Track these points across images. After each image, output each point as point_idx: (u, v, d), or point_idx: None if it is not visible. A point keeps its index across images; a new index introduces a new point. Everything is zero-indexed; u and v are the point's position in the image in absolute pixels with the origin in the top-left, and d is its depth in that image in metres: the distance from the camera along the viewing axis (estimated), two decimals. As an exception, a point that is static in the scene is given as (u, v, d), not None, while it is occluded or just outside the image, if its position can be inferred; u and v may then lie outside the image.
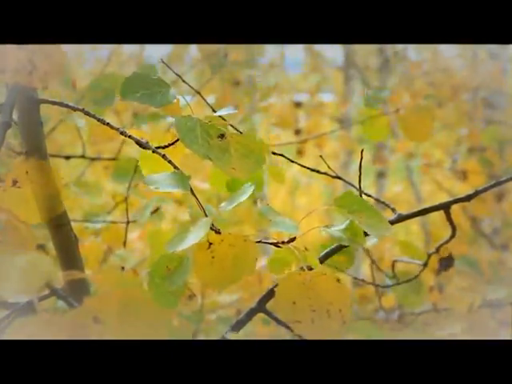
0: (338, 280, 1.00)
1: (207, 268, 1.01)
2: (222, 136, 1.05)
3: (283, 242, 1.04)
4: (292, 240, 1.04)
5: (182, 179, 1.04)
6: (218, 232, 1.01)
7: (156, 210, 1.81)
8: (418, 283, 1.65)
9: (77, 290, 1.17)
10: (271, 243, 1.05)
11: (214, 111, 1.16)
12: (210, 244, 1.00)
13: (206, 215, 1.02)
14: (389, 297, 2.05)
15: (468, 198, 1.36)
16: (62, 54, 0.99)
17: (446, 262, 1.57)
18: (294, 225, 1.04)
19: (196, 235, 0.98)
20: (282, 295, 1.01)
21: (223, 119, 1.11)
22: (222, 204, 1.06)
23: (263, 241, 1.05)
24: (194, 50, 3.09)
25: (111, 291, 0.83)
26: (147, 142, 1.08)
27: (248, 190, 1.05)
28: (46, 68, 0.97)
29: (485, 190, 1.37)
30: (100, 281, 0.85)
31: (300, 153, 3.44)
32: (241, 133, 1.10)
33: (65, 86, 1.85)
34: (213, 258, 1.01)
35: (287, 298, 1.00)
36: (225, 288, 1.02)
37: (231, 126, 1.12)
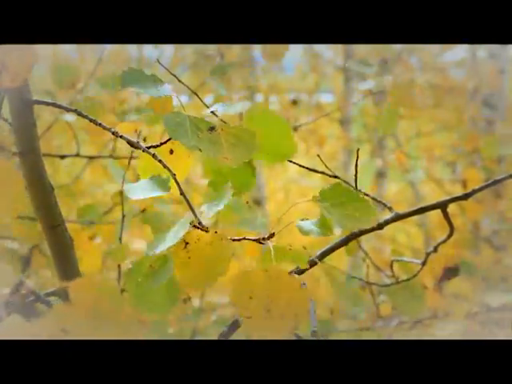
0: (304, 284, 0.99)
1: (184, 268, 1.00)
2: (212, 129, 1.04)
3: (264, 239, 1.04)
4: (271, 236, 1.04)
5: (161, 183, 1.04)
6: (204, 230, 1.00)
7: (146, 208, 1.80)
8: (417, 291, 1.64)
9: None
10: (253, 240, 1.05)
11: (211, 110, 1.16)
12: (187, 244, 1.00)
13: (196, 215, 1.01)
14: (387, 305, 2.04)
15: (465, 196, 1.36)
16: (32, 54, 0.98)
17: (451, 273, 1.57)
18: (263, 223, 1.04)
19: (174, 236, 0.98)
20: (240, 286, 0.98)
21: (216, 115, 1.11)
22: (203, 207, 1.05)
23: (246, 238, 1.05)
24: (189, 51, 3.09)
25: (81, 301, 0.82)
26: (138, 142, 1.08)
27: (227, 194, 1.04)
28: (16, 68, 0.96)
29: (482, 188, 1.37)
30: (73, 289, 0.84)
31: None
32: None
33: (60, 86, 1.84)
34: (189, 258, 1.00)
35: (244, 290, 0.98)
36: (201, 288, 1.02)
37: (222, 120, 1.12)
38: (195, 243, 1.00)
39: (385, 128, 1.90)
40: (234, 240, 1.03)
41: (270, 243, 1.03)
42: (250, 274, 0.99)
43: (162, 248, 0.97)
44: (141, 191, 1.04)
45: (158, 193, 1.04)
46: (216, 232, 1.00)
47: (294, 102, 3.54)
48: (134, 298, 1.05)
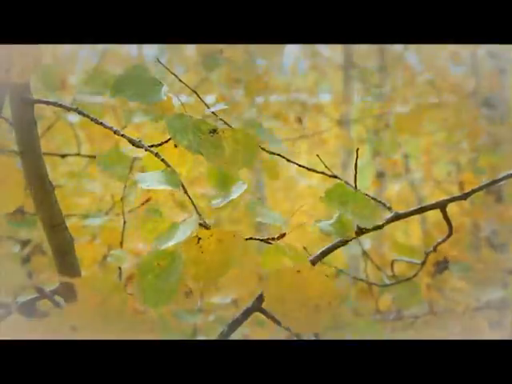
0: (327, 275, 1.00)
1: (195, 262, 1.01)
2: (213, 131, 1.05)
3: (273, 239, 1.04)
4: (282, 236, 1.04)
5: (172, 177, 1.04)
6: (207, 228, 1.01)
7: (147, 201, 1.80)
8: (414, 285, 1.64)
9: (69, 292, 1.16)
10: (262, 240, 1.05)
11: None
12: (199, 239, 1.01)
13: (198, 213, 1.02)
14: (385, 299, 2.04)
15: (465, 196, 1.36)
16: (38, 51, 0.99)
17: (442, 265, 1.57)
18: (280, 217, 1.04)
19: (184, 232, 0.98)
20: (271, 292, 1.01)
21: (216, 115, 1.11)
22: (214, 201, 1.05)
23: (254, 237, 1.05)
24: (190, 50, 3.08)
25: (90, 299, 0.82)
26: (140, 141, 1.08)
27: (241, 188, 1.04)
28: (22, 65, 0.97)
29: (481, 188, 1.37)
30: (80, 287, 0.84)
31: (299, 152, 3.44)
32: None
33: (52, 85, 1.83)
34: (202, 252, 1.01)
35: (276, 294, 1.00)
36: (212, 282, 1.02)
37: (221, 119, 1.12)
38: (208, 239, 1.01)
39: (388, 150, 1.91)
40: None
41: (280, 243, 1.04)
42: (275, 278, 1.01)
43: (172, 242, 0.97)
44: (152, 182, 1.05)
45: (168, 187, 1.04)
46: (234, 235, 1.01)
47: (299, 120, 3.55)
48: (138, 290, 1.05)
